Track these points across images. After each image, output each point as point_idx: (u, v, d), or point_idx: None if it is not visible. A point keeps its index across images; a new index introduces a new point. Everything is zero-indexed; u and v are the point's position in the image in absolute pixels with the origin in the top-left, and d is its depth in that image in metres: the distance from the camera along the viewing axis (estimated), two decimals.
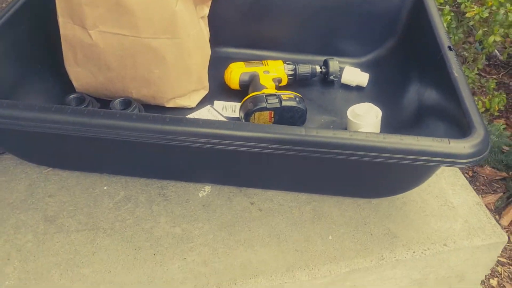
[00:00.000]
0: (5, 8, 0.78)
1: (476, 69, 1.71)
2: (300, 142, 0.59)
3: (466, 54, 1.78)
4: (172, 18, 0.74)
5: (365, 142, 0.58)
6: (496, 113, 1.78)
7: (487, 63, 2.17)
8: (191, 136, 0.59)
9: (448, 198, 0.75)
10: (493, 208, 1.47)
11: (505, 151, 1.64)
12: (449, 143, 0.58)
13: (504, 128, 1.75)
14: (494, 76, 2.06)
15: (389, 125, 0.83)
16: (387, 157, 0.59)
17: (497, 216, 1.44)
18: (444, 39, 0.78)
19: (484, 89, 1.82)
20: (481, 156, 0.59)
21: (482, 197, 1.47)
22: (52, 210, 0.70)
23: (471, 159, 0.58)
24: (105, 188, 0.73)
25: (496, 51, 2.20)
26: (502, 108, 1.84)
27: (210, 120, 0.61)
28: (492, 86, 1.77)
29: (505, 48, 1.89)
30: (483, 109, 1.69)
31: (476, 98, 1.72)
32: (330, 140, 0.58)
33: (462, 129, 0.62)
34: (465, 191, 0.77)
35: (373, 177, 0.69)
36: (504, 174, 1.58)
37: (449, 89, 0.69)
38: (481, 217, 0.73)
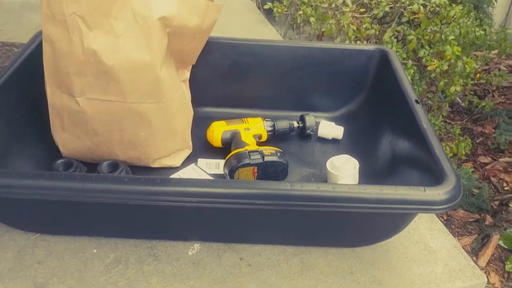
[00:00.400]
0: None
1: (441, 116, 1.81)
2: (286, 197, 0.62)
3: (431, 103, 1.89)
4: (157, 83, 0.78)
5: (347, 194, 0.62)
6: (464, 157, 1.87)
7: (450, 110, 2.29)
8: (182, 196, 0.61)
9: (428, 243, 0.78)
10: (469, 250, 1.52)
11: (475, 193, 1.71)
12: (425, 191, 0.62)
13: (472, 172, 1.83)
14: (459, 122, 2.17)
15: (366, 175, 0.87)
16: (369, 207, 0.62)
17: (474, 258, 1.48)
18: (411, 93, 0.84)
19: (450, 135, 1.92)
20: (455, 202, 0.63)
21: (458, 239, 1.51)
22: (41, 277, 0.70)
23: (446, 205, 0.62)
24: (95, 251, 0.74)
25: (457, 98, 2.34)
26: (468, 152, 1.93)
27: (200, 180, 0.64)
28: (457, 132, 1.87)
29: (466, 95, 2.01)
30: (451, 154, 1.78)
31: (443, 144, 1.81)
32: (314, 193, 0.62)
33: (434, 176, 0.67)
34: (443, 235, 0.80)
35: (356, 226, 0.72)
36: (477, 216, 1.64)
37: (419, 140, 0.74)
38: (460, 260, 0.76)
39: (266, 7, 1.69)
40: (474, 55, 1.99)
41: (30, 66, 0.87)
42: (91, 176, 0.62)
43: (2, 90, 0.80)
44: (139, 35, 0.74)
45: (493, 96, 2.45)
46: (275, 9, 1.63)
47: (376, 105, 0.98)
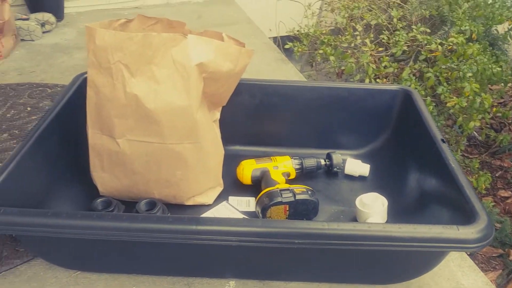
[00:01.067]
0: (37, 122, 0.85)
1: (459, 150, 1.82)
2: (324, 236, 0.64)
3: (448, 137, 1.91)
4: (194, 125, 0.82)
5: (383, 233, 0.64)
6: (483, 191, 1.87)
7: (467, 144, 2.30)
8: (224, 235, 0.64)
9: (459, 280, 0.80)
10: (495, 286, 1.50)
11: (497, 228, 1.71)
12: (458, 229, 0.64)
13: (493, 206, 1.83)
14: (477, 156, 2.18)
15: (394, 212, 0.89)
16: (403, 245, 0.64)
17: None
18: (436, 132, 0.87)
19: (469, 169, 1.92)
20: (488, 240, 0.65)
21: None
22: None
23: (479, 244, 0.64)
24: None
25: (474, 132, 2.35)
26: (488, 186, 1.93)
27: (240, 219, 0.66)
28: (476, 166, 1.88)
29: (482, 129, 2.03)
30: None
31: None
32: (351, 232, 0.64)
33: (465, 215, 0.69)
34: (473, 272, 0.82)
35: (389, 264, 0.73)
36: (500, 250, 1.64)
37: (448, 178, 0.77)
38: None
39: (286, 46, 1.75)
40: (490, 89, 2.02)
41: (70, 110, 0.91)
42: (137, 216, 0.65)
43: (45, 133, 0.84)
44: (178, 81, 0.78)
45: (510, 129, 2.45)
46: (295, 48, 1.69)
47: (400, 143, 1.01)
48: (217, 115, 0.97)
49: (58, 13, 1.92)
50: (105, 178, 0.87)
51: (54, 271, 0.79)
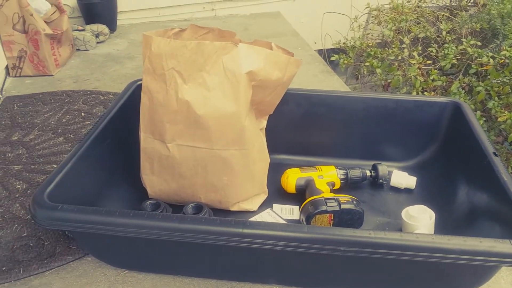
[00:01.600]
0: (93, 126, 0.89)
1: (509, 168, 1.75)
2: (370, 244, 0.64)
3: (498, 154, 1.84)
4: (242, 132, 0.83)
5: (431, 244, 0.63)
6: None
7: None
8: (269, 239, 0.64)
9: None
10: None
11: None
12: (511, 243, 0.62)
13: None
14: None
15: (442, 226, 0.87)
16: (452, 257, 0.63)
17: None
18: (488, 145, 0.85)
19: None
20: None
21: None
22: None
23: None
24: None
25: None
26: None
27: (286, 224, 0.67)
28: None
29: None
30: None
31: None
32: (397, 242, 0.64)
33: None
34: None
35: (437, 277, 0.72)
36: None
37: (500, 193, 0.75)
38: None
39: (332, 58, 1.75)
40: None
41: (123, 115, 0.95)
42: (186, 217, 0.67)
43: (99, 137, 0.88)
44: (228, 88, 0.80)
45: None
46: (341, 61, 1.69)
47: (449, 156, 0.99)
48: (264, 123, 0.98)
49: (112, 25, 2.00)
50: (154, 181, 0.90)
51: (104, 269, 0.82)
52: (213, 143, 0.83)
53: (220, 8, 2.25)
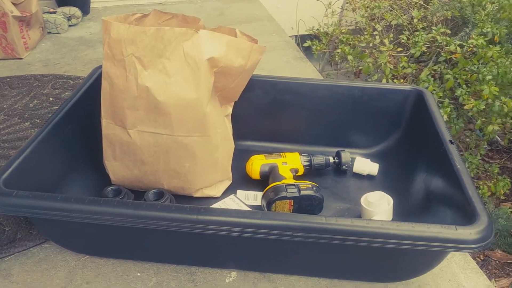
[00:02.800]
0: (55, 111, 0.89)
1: (479, 155, 1.79)
2: (322, 230, 0.65)
3: (468, 141, 1.88)
4: (203, 118, 0.84)
5: (380, 230, 0.65)
6: (502, 197, 1.83)
7: (489, 148, 2.26)
8: (225, 225, 0.65)
9: (461, 282, 0.79)
10: None
11: None
12: (457, 229, 0.64)
13: (511, 212, 1.79)
14: (497, 161, 2.13)
15: (400, 212, 0.89)
16: (401, 243, 0.65)
17: None
18: (445, 133, 0.87)
19: (489, 173, 1.89)
20: (487, 242, 0.64)
21: (495, 280, 1.48)
22: None
23: (477, 245, 0.64)
24: (138, 274, 0.79)
25: (497, 137, 2.30)
26: (507, 191, 1.89)
27: (241, 211, 0.68)
28: (495, 171, 1.84)
29: (505, 134, 1.99)
30: (489, 193, 1.75)
31: (481, 183, 1.79)
32: (348, 228, 0.65)
33: (467, 216, 0.69)
34: (476, 275, 0.81)
35: (388, 262, 0.74)
36: None
37: (453, 180, 0.76)
38: None
39: (305, 45, 1.75)
40: None
41: (87, 100, 0.95)
42: (141, 203, 0.67)
43: (62, 122, 0.88)
44: (188, 75, 0.80)
45: None
46: (314, 47, 1.69)
47: (411, 143, 1.00)
48: (229, 109, 0.98)
49: (85, 8, 1.97)
50: (116, 167, 0.90)
51: (64, 254, 0.82)
52: (174, 130, 0.83)
53: None
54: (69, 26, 1.85)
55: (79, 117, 0.92)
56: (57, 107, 1.27)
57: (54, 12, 1.81)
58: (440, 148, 0.85)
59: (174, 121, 0.82)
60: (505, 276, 1.53)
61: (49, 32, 1.79)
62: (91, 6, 2.04)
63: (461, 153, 1.74)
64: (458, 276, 0.80)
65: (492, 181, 1.77)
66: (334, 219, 0.66)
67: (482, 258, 1.61)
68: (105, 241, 0.79)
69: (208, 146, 0.87)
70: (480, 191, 1.75)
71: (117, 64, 0.81)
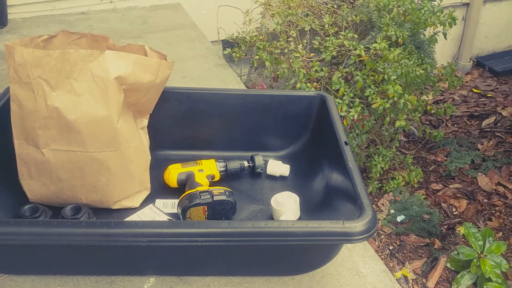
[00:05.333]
0: None
1: (394, 147, 1.93)
2: (225, 234, 0.71)
3: (386, 134, 2.02)
4: (114, 134, 0.88)
5: (278, 229, 0.72)
6: (416, 185, 1.99)
7: (406, 140, 2.44)
8: (133, 236, 0.70)
9: (359, 268, 0.89)
10: (420, 273, 1.62)
11: (426, 219, 1.83)
12: (344, 224, 0.72)
13: (424, 198, 1.96)
14: (413, 152, 2.31)
15: (307, 209, 0.97)
16: (297, 239, 0.72)
17: (424, 280, 1.58)
18: (342, 136, 0.96)
19: (404, 164, 2.05)
20: (371, 232, 0.73)
21: (409, 263, 1.62)
22: None
23: (363, 236, 0.73)
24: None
25: (413, 128, 2.49)
26: (421, 180, 2.06)
27: (149, 222, 0.73)
28: (409, 161, 2.00)
29: (419, 126, 2.15)
30: (403, 183, 1.90)
31: (396, 173, 1.94)
32: (249, 230, 0.72)
33: (356, 210, 0.78)
34: (373, 261, 0.91)
35: (291, 257, 0.82)
36: (427, 240, 1.76)
37: (346, 178, 0.85)
38: (387, 283, 0.86)
39: (225, 52, 1.82)
40: (425, 88, 2.15)
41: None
42: (52, 221, 0.71)
43: None
44: (97, 93, 0.84)
45: (447, 125, 2.61)
46: (234, 54, 1.76)
47: (316, 145, 1.09)
48: (145, 122, 1.02)
49: (2, 19, 1.92)
50: (33, 185, 0.92)
51: None
52: (87, 146, 0.87)
53: (119, 0, 2.23)
54: None
55: None
56: None
57: None
58: (337, 149, 0.93)
59: (86, 138, 0.86)
60: (418, 258, 1.68)
61: None
62: (8, 18, 1.99)
63: (377, 147, 1.87)
64: (357, 264, 0.90)
65: (406, 171, 1.92)
66: (236, 223, 0.72)
67: (398, 243, 1.75)
68: (22, 259, 0.81)
69: (122, 159, 0.91)
70: (395, 181, 1.90)
71: (24, 87, 0.83)
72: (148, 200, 1.00)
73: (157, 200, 1.01)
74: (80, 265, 0.82)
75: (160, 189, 1.04)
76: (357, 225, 0.73)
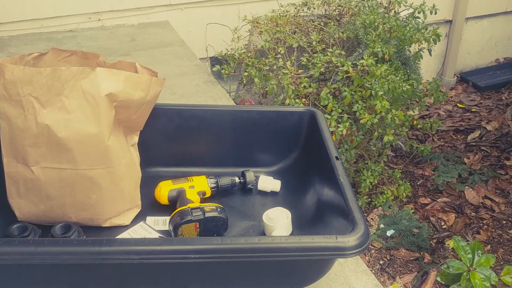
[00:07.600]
0: None
1: (382, 162, 1.95)
2: (218, 250, 0.71)
3: (374, 149, 2.04)
4: (105, 151, 0.87)
5: (271, 245, 0.72)
6: (405, 199, 2.00)
7: (394, 155, 2.46)
8: (126, 254, 0.69)
9: (352, 283, 0.89)
10: (411, 287, 1.62)
11: (415, 233, 1.84)
12: (337, 238, 0.73)
13: (413, 212, 1.97)
14: (401, 166, 2.33)
15: (299, 224, 0.97)
16: (290, 255, 0.72)
17: None
18: (333, 151, 0.97)
19: (392, 178, 2.06)
20: (364, 247, 0.74)
21: (400, 277, 1.62)
22: None
23: (356, 250, 0.73)
24: None
25: (400, 143, 2.51)
26: (409, 194, 2.08)
27: (141, 239, 0.72)
28: (398, 176, 2.02)
29: (407, 140, 2.18)
30: (392, 197, 1.91)
31: (385, 188, 1.95)
32: (242, 246, 0.71)
33: (350, 224, 0.78)
34: (366, 275, 0.91)
35: (285, 271, 0.81)
36: (417, 254, 1.76)
37: (337, 192, 0.86)
38: None
39: (214, 69, 1.83)
40: (411, 103, 2.18)
41: None
42: (43, 240, 0.70)
43: None
44: (88, 110, 0.84)
45: (433, 140, 2.64)
46: (223, 71, 1.77)
47: (307, 160, 1.10)
48: (135, 139, 1.02)
49: None
50: (22, 204, 0.91)
51: None
52: (77, 164, 0.86)
53: (107, 18, 2.24)
54: None
55: None
56: None
57: None
58: (328, 164, 0.94)
59: (77, 155, 0.85)
60: (408, 272, 1.68)
61: None
62: None
63: (365, 162, 1.89)
64: (350, 279, 0.90)
65: (394, 186, 1.93)
66: (229, 239, 0.72)
67: (388, 258, 1.76)
68: (11, 280, 0.79)
69: (113, 177, 0.90)
70: (384, 195, 1.91)
71: (14, 104, 0.82)
72: (139, 217, 1.00)
73: (148, 218, 1.00)
74: (72, 284, 0.81)
75: (151, 206, 1.03)
76: (350, 240, 0.73)
